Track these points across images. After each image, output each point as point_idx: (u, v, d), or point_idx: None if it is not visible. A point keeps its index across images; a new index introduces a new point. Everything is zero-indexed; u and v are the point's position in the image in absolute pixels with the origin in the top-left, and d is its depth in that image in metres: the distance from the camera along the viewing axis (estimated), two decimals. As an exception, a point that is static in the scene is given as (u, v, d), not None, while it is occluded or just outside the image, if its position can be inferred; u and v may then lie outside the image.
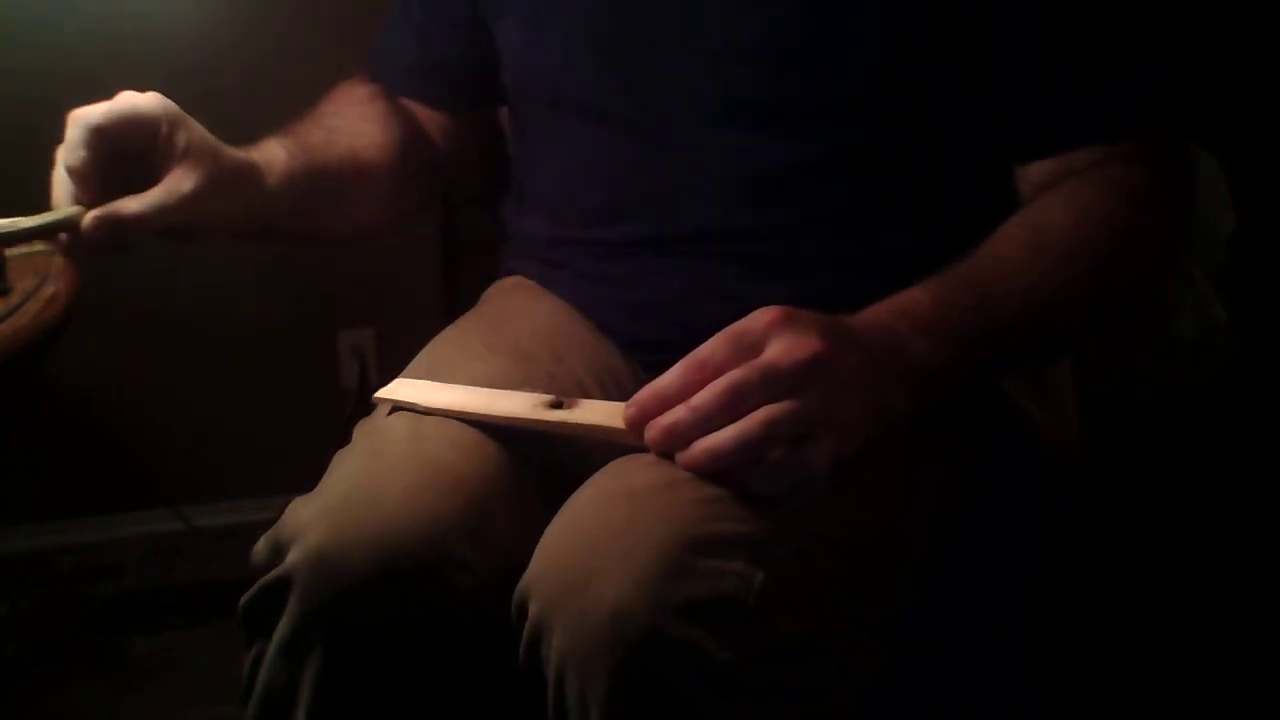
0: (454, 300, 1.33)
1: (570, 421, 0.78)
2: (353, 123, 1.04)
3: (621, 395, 0.94)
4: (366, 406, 0.91)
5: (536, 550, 0.72)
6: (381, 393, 0.86)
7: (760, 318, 0.70)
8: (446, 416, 0.83)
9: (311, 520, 0.76)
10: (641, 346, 0.97)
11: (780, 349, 0.68)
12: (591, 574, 0.67)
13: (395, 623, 0.75)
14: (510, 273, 1.08)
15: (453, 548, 0.75)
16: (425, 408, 0.83)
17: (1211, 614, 1.28)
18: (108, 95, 0.88)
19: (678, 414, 0.69)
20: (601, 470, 0.76)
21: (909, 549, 0.83)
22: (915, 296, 0.79)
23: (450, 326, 1.02)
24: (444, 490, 0.78)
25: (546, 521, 0.74)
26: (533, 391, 0.87)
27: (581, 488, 0.75)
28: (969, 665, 0.90)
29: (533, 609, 0.70)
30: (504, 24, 1.02)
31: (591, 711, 0.67)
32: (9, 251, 0.94)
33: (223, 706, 0.95)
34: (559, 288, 1.02)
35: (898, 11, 0.87)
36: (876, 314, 0.77)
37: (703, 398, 0.68)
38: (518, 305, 1.02)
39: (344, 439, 0.87)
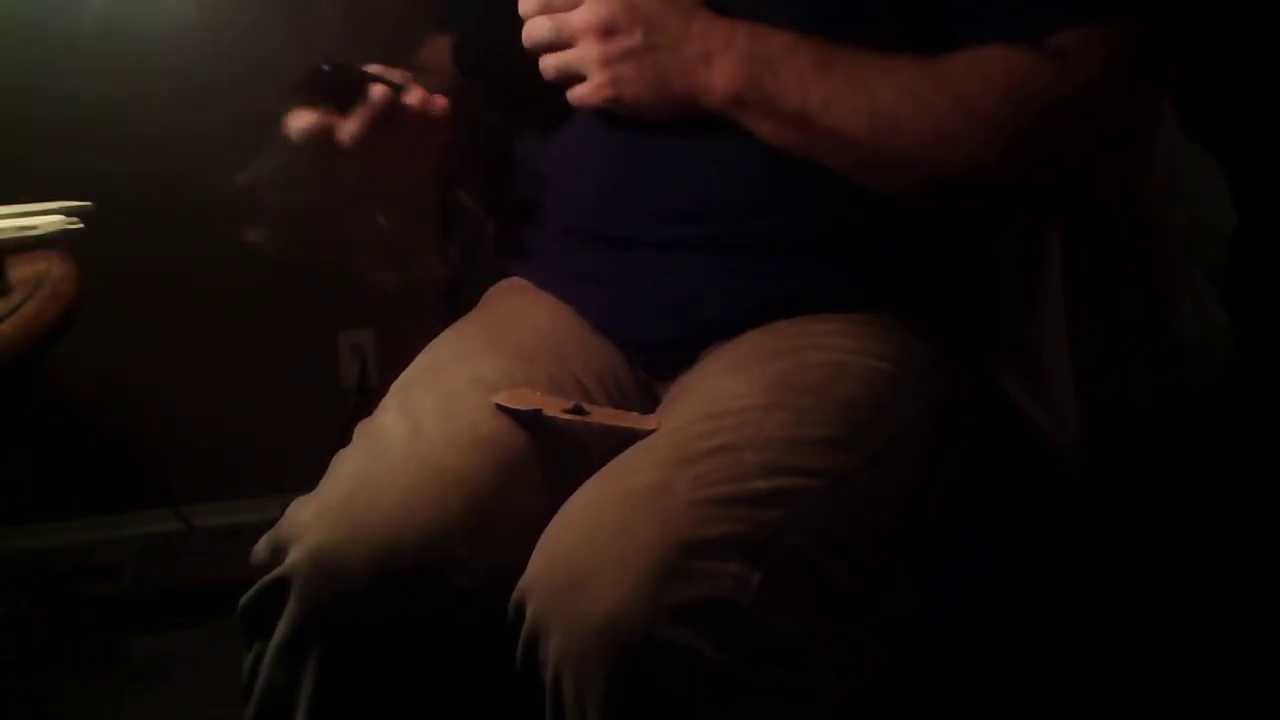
0: (454, 300, 1.33)
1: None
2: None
3: (622, 396, 0.94)
4: (367, 406, 0.91)
5: (534, 552, 0.72)
6: None
7: None
8: None
9: (311, 521, 0.76)
10: (641, 346, 0.97)
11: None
12: (587, 576, 0.68)
13: (394, 623, 0.75)
14: (510, 274, 1.08)
15: (452, 548, 0.75)
16: None
17: (1212, 615, 1.28)
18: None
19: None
20: (599, 473, 0.76)
21: (908, 549, 0.83)
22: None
23: (450, 327, 1.02)
24: (443, 491, 0.78)
25: (545, 522, 0.74)
26: (533, 391, 0.87)
27: (579, 490, 0.75)
28: (968, 665, 0.90)
29: (530, 611, 0.70)
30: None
31: (588, 713, 0.67)
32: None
33: (223, 706, 0.95)
34: (558, 289, 1.02)
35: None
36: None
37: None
38: (518, 306, 1.02)
39: (344, 439, 0.87)
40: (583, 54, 0.89)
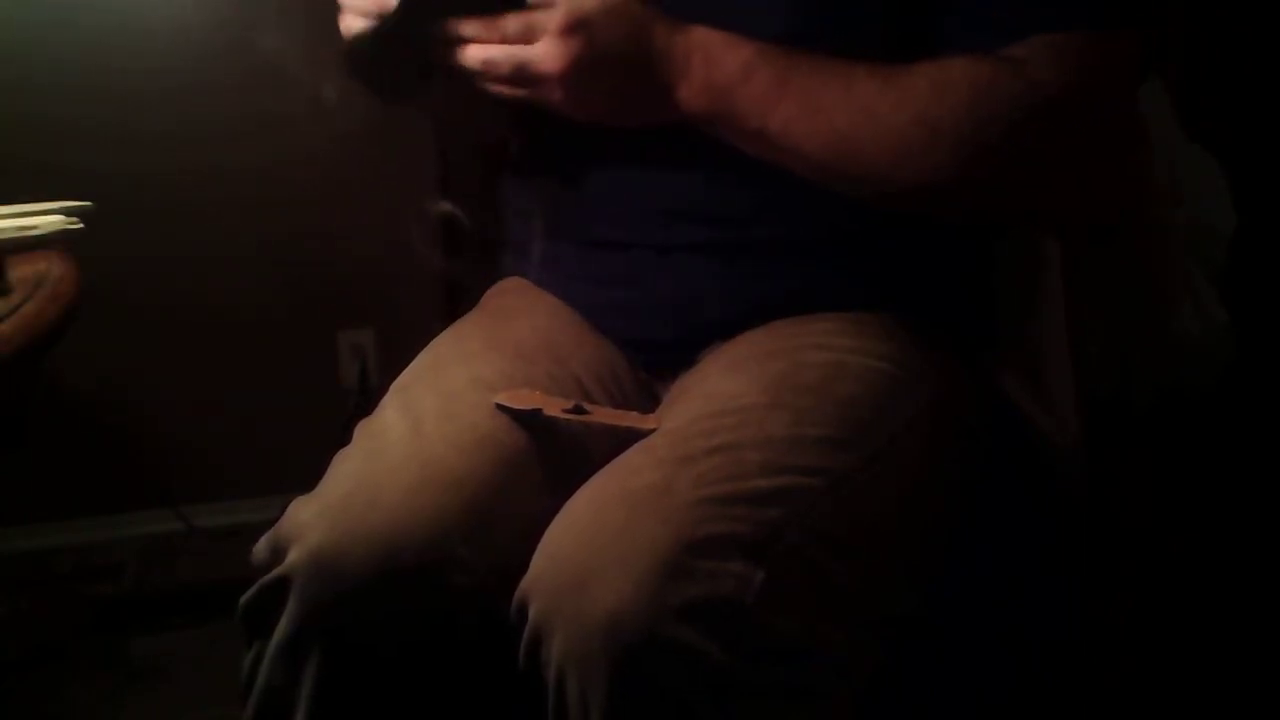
0: (454, 300, 1.34)
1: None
2: None
3: (622, 395, 0.94)
4: (367, 406, 0.91)
5: (536, 552, 0.72)
6: None
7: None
8: None
9: (311, 521, 0.76)
10: (641, 346, 0.97)
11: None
12: (590, 576, 0.68)
13: (395, 623, 0.75)
14: (510, 274, 1.08)
15: (452, 548, 0.75)
16: None
17: (1212, 615, 1.28)
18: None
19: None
20: (600, 472, 0.76)
21: (908, 549, 0.83)
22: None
23: (450, 327, 1.02)
24: (444, 490, 0.78)
25: (546, 522, 0.74)
26: (533, 391, 0.87)
27: (580, 489, 0.75)
28: (968, 665, 0.90)
29: (532, 611, 0.70)
30: None
31: (591, 713, 0.67)
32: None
33: (223, 706, 0.95)
34: (558, 288, 1.02)
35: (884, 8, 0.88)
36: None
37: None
38: (518, 306, 1.02)
39: (344, 439, 0.87)
40: (545, 95, 0.88)
